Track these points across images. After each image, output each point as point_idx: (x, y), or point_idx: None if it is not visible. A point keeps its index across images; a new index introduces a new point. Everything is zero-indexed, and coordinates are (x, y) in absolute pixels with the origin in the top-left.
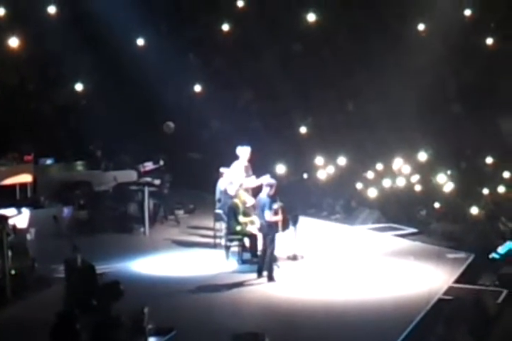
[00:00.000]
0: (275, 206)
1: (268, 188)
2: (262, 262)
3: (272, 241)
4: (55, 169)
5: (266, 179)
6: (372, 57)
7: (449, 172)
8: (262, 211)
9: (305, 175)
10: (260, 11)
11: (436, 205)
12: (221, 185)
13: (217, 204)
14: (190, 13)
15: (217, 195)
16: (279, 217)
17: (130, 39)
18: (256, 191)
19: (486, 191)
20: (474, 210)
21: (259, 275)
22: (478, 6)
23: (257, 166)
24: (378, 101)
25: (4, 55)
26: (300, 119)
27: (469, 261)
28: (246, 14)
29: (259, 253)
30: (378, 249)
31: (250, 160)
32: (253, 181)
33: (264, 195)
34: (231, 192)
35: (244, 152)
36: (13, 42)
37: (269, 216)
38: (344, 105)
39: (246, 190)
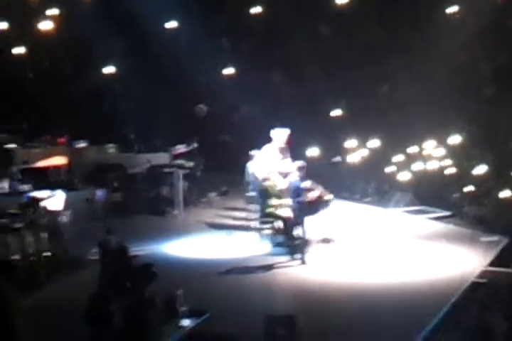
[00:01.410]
0: (306, 184)
1: (297, 171)
2: (295, 245)
3: (303, 222)
4: (89, 151)
5: (296, 162)
6: (404, 41)
7: (481, 155)
8: (296, 193)
9: (338, 158)
10: None
11: (469, 188)
12: (251, 167)
13: (249, 187)
14: None
15: (248, 178)
16: (317, 193)
17: (162, 22)
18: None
19: None
20: (507, 193)
21: (293, 257)
22: None
23: (290, 149)
24: (410, 85)
25: (37, 38)
26: (332, 102)
27: (503, 244)
28: None
29: (292, 235)
30: (411, 232)
31: (288, 143)
32: (286, 165)
33: (295, 178)
34: (259, 175)
35: (282, 134)
36: (46, 25)
37: (309, 195)
38: (376, 89)
39: (280, 173)
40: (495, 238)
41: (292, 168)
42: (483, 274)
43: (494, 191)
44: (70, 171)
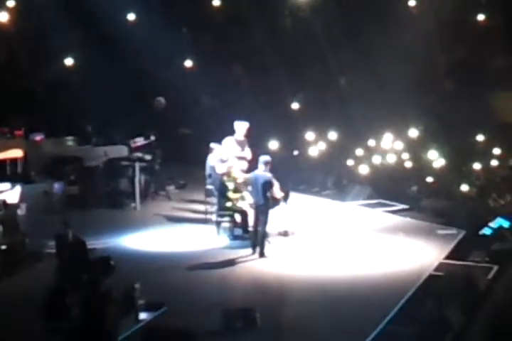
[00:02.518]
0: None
1: (264, 166)
2: (255, 238)
3: (266, 217)
4: (46, 144)
5: (261, 157)
6: (363, 33)
7: (439, 148)
8: (263, 188)
9: (296, 152)
10: None
11: (428, 181)
12: (211, 160)
13: (208, 180)
14: None
15: (208, 171)
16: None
17: (121, 14)
18: (251, 167)
19: (477, 167)
20: (465, 187)
21: (253, 251)
22: None
23: (249, 142)
24: (369, 77)
25: None
26: (291, 95)
27: (460, 237)
28: None
29: (250, 229)
30: (369, 225)
31: (247, 136)
32: (245, 158)
33: (262, 172)
34: (220, 170)
35: (241, 127)
36: (2, 16)
37: (277, 192)
38: (334, 81)
39: (239, 166)
40: (452, 231)
41: (252, 161)
42: (440, 267)
43: (452, 184)
44: (27, 164)
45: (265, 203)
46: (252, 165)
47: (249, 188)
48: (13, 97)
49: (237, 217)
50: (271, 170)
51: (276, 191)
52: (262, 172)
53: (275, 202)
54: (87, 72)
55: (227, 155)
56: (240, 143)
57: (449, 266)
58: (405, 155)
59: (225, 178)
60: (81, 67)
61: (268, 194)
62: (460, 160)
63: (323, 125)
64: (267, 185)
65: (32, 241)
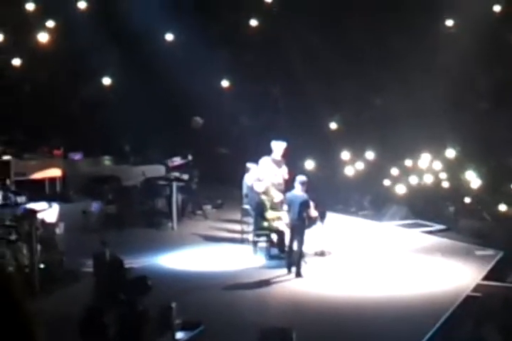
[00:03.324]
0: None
1: (300, 186)
2: (290, 258)
3: (302, 236)
4: (84, 163)
5: (298, 177)
6: (399, 53)
7: (476, 169)
8: (300, 208)
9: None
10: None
11: (465, 201)
12: (248, 180)
13: (245, 200)
14: (218, 8)
15: (244, 190)
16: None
17: (158, 34)
18: (287, 186)
19: None
20: (503, 207)
21: (289, 270)
22: (507, 1)
23: (286, 162)
24: (406, 98)
25: (34, 50)
26: (328, 115)
27: (498, 258)
28: (271, 9)
29: (286, 249)
30: (406, 246)
31: (284, 156)
32: (282, 178)
33: (299, 192)
34: (258, 188)
35: (278, 147)
36: (43, 37)
37: (313, 211)
38: (371, 101)
39: (276, 186)
40: (490, 252)
41: (289, 180)
42: (477, 288)
43: (490, 205)
44: (65, 183)
45: (301, 223)
46: (289, 185)
47: (286, 208)
48: (52, 117)
49: (274, 237)
50: (307, 190)
51: (312, 211)
52: (299, 192)
53: (311, 221)
54: (125, 91)
55: (264, 175)
56: (277, 163)
57: (487, 287)
58: (442, 175)
59: (262, 197)
60: (118, 86)
61: (304, 214)
62: (497, 180)
63: (360, 145)
64: (304, 205)
65: (70, 260)
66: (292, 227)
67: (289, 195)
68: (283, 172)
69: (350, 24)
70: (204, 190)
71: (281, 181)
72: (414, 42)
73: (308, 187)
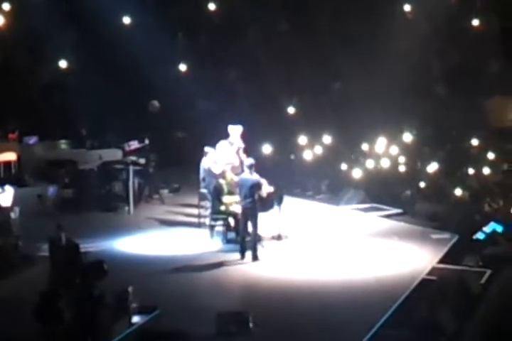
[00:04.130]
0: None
1: (248, 169)
2: (244, 242)
3: (256, 219)
4: (39, 147)
5: (245, 160)
6: (357, 38)
7: (432, 153)
8: (250, 190)
9: (292, 156)
10: None
11: (421, 186)
12: (205, 164)
13: (202, 184)
14: None
15: (202, 174)
16: (270, 188)
17: (116, 17)
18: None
19: (471, 172)
20: (459, 191)
21: (243, 256)
22: None
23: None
24: (363, 82)
25: None
26: (286, 99)
27: (453, 241)
28: None
29: (240, 233)
30: (362, 229)
31: (240, 140)
32: (239, 162)
33: (248, 175)
34: (216, 170)
35: (235, 131)
36: None
37: (267, 188)
38: (329, 85)
39: (233, 168)
40: (445, 235)
41: (244, 164)
42: (433, 271)
43: (446, 189)
44: (21, 167)
45: (253, 206)
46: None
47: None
48: (6, 100)
49: (231, 221)
50: (265, 174)
51: (265, 188)
52: (248, 175)
53: (268, 204)
54: (82, 74)
55: (221, 158)
56: (235, 147)
57: (442, 271)
58: (399, 160)
59: (220, 181)
60: (75, 69)
61: (256, 196)
62: (454, 164)
63: (317, 129)
64: (255, 188)
65: (25, 244)
66: (244, 210)
67: (238, 178)
68: (240, 156)
69: (309, 8)
70: (161, 174)
71: (237, 165)
72: (373, 26)
73: (265, 170)
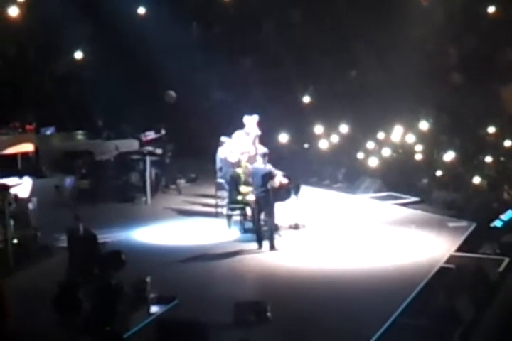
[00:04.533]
0: (277, 172)
1: (262, 158)
2: (260, 231)
3: (271, 209)
4: (56, 138)
5: (260, 149)
6: (372, 26)
7: (449, 141)
8: (263, 180)
9: (306, 145)
10: None
11: (438, 174)
12: (221, 153)
13: (219, 174)
14: None
15: (218, 164)
16: (285, 179)
17: (131, 7)
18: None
19: (488, 160)
20: (476, 179)
21: (260, 245)
22: None
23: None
24: (379, 71)
25: (5, 25)
26: (301, 88)
27: (471, 229)
28: None
29: (255, 222)
30: (379, 218)
31: (257, 129)
32: (255, 151)
33: (260, 165)
34: (232, 159)
35: (250, 120)
36: (13, 11)
37: (280, 179)
38: (344, 74)
39: (249, 157)
40: (463, 223)
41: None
42: (451, 259)
43: (463, 177)
44: (38, 158)
45: (266, 195)
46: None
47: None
48: (23, 92)
49: (248, 211)
50: (281, 163)
51: (278, 179)
52: (261, 164)
53: (284, 194)
54: (97, 65)
55: (237, 147)
56: (250, 137)
57: (460, 259)
58: (416, 148)
59: (237, 170)
60: (91, 60)
61: (269, 186)
62: (471, 152)
63: (333, 118)
64: (267, 177)
65: (43, 235)
66: (257, 200)
67: (251, 168)
68: (256, 147)
69: None
70: (177, 164)
71: (253, 154)
72: (388, 14)
73: (278, 158)
